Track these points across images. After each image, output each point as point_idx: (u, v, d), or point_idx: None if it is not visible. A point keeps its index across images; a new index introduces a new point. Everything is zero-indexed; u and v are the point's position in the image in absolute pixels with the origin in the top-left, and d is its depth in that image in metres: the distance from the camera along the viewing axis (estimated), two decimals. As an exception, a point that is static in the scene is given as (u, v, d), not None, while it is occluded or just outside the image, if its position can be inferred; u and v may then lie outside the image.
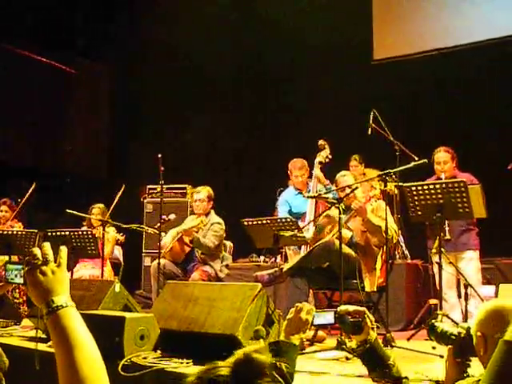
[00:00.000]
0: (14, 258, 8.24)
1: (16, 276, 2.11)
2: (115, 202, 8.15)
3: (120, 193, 8.15)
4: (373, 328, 3.10)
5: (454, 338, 2.73)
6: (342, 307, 3.12)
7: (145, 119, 12.28)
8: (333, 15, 10.64)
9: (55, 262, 1.91)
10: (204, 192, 7.81)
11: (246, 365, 1.53)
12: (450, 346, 2.75)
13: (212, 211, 7.87)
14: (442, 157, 6.97)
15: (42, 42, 11.49)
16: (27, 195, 8.83)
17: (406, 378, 3.00)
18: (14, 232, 7.87)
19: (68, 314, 1.82)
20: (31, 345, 5.55)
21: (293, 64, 11.19)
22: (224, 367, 1.55)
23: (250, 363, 1.53)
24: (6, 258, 7.78)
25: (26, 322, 6.77)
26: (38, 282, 1.85)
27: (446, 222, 6.57)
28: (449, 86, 9.80)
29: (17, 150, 11.78)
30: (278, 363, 2.81)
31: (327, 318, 3.19)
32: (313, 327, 3.91)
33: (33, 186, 8.86)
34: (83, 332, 1.81)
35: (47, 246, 1.92)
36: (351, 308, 3.09)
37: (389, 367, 2.97)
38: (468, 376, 2.65)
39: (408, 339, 6.12)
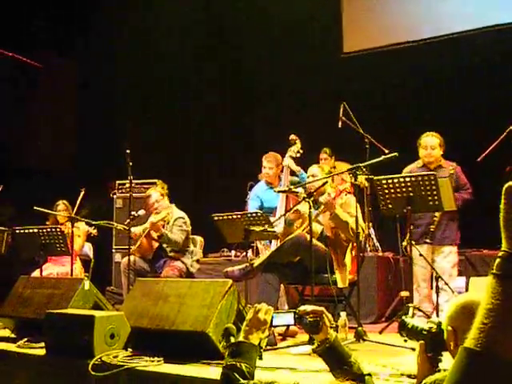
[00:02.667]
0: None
1: None
2: (77, 205, 8.11)
3: (80, 197, 8.12)
4: (332, 327, 3.10)
5: (425, 333, 2.73)
6: (301, 307, 3.13)
7: (111, 114, 12.17)
8: (304, 7, 10.60)
9: None
10: (155, 193, 7.77)
11: None
12: (421, 341, 2.75)
13: (173, 206, 7.81)
14: (431, 141, 6.91)
15: (4, 35, 11.33)
16: None
17: (368, 374, 3.00)
18: (-19, 230, 7.79)
19: None
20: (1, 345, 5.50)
21: (263, 58, 11.14)
22: None
23: None
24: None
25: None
26: None
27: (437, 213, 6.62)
28: (419, 78, 9.82)
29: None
30: (237, 363, 2.86)
31: (287, 318, 3.19)
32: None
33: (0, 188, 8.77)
34: None
35: None
36: (309, 308, 3.09)
37: (350, 365, 2.97)
38: (439, 371, 2.65)
39: (380, 332, 6.15)
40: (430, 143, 6.90)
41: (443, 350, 2.65)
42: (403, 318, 2.87)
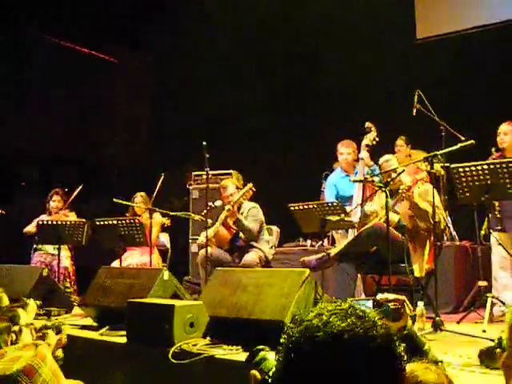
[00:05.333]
0: (65, 248, 8.39)
1: None
2: (156, 191, 8.20)
3: (159, 182, 8.20)
4: (410, 316, 3.10)
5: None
6: (382, 295, 3.12)
7: (186, 106, 12.29)
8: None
9: None
10: (231, 185, 7.78)
11: None
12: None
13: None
14: (503, 129, 6.80)
15: (82, 32, 11.59)
16: (74, 195, 8.94)
17: (441, 361, 2.99)
18: (64, 222, 7.99)
19: None
20: (82, 333, 5.65)
21: (338, 47, 11.05)
22: None
23: None
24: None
25: (76, 310, 6.88)
26: None
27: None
28: (495, 63, 9.61)
29: (60, 140, 11.91)
30: None
31: (366, 305, 3.19)
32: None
33: (79, 187, 8.97)
34: None
35: None
36: (391, 296, 3.09)
37: (425, 353, 2.97)
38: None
39: (458, 322, 6.07)
40: (503, 130, 6.80)
41: None
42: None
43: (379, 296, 3.13)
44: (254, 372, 2.39)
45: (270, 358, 2.48)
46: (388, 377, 1.51)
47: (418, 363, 2.11)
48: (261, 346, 2.61)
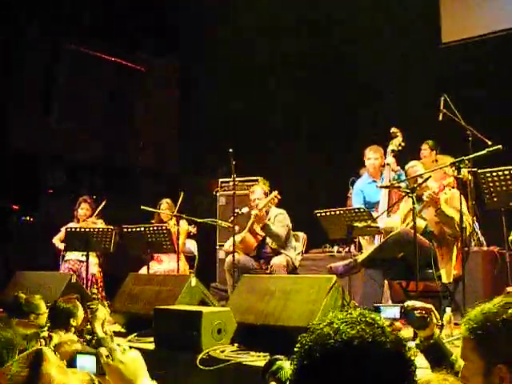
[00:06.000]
0: (93, 255, 8.45)
1: (87, 363, 2.04)
2: (177, 206, 8.27)
3: (180, 199, 8.27)
4: (437, 325, 3.10)
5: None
6: (410, 303, 3.13)
7: (213, 112, 12.32)
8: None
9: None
10: (259, 189, 7.78)
11: None
12: None
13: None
14: None
15: (109, 41, 11.68)
16: (100, 208, 9.03)
17: None
18: (91, 229, 8.05)
19: None
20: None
21: (363, 52, 11.03)
22: None
23: None
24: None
25: (105, 316, 6.92)
26: (119, 372, 1.84)
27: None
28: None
29: (87, 147, 11.99)
30: None
31: (393, 312, 3.20)
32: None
33: (103, 203, 9.07)
34: None
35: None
36: (418, 304, 3.09)
37: (451, 363, 2.95)
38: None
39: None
40: None
41: None
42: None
43: (407, 303, 3.13)
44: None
45: (287, 366, 2.52)
46: (398, 382, 1.54)
47: (437, 374, 2.12)
48: (277, 356, 2.64)
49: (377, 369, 1.51)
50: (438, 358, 3.01)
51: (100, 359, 1.89)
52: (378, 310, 3.23)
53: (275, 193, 7.54)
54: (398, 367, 1.54)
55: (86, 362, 2.02)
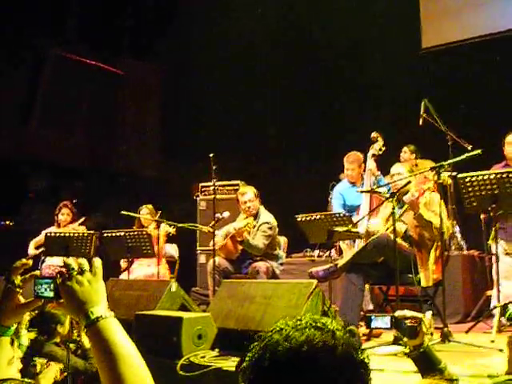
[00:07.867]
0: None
1: (46, 290, 2.02)
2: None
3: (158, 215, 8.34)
4: (427, 334, 3.11)
5: None
6: (400, 312, 3.13)
7: (194, 116, 12.32)
8: (382, 5, 10.54)
9: (90, 271, 1.85)
10: (250, 192, 7.75)
11: None
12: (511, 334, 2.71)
13: (261, 208, 7.77)
14: (509, 139, 6.82)
15: (88, 44, 11.66)
16: (79, 222, 9.01)
17: (456, 380, 2.99)
18: (71, 234, 7.99)
19: (108, 325, 1.73)
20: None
21: (343, 58, 11.07)
22: None
23: None
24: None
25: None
26: (73, 293, 1.77)
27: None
28: (502, 72, 9.60)
29: (69, 151, 11.95)
30: None
31: (384, 321, 3.20)
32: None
33: (82, 219, 9.06)
34: (126, 343, 1.74)
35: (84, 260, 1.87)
36: (409, 313, 3.10)
37: (441, 370, 2.96)
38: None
39: (466, 332, 6.05)
40: (508, 140, 6.79)
41: None
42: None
43: (397, 313, 3.14)
44: None
45: None
46: None
47: (429, 379, 2.12)
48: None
49: (326, 374, 1.49)
50: (428, 366, 3.02)
51: (57, 282, 1.83)
52: (369, 319, 3.24)
53: (250, 220, 7.60)
54: (349, 371, 1.51)
55: (44, 288, 1.99)
